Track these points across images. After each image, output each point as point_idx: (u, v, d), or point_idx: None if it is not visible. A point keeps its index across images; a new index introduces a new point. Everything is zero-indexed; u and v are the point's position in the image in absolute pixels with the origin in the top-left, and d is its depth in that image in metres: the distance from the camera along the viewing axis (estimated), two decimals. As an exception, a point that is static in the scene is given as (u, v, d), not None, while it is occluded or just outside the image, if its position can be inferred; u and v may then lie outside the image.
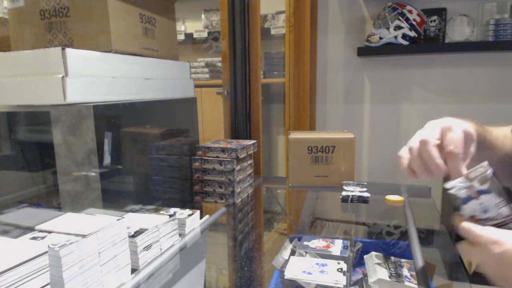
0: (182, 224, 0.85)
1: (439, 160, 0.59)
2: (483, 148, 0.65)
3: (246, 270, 0.81)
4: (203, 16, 3.00)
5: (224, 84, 1.56)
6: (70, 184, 0.82)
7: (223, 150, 1.16)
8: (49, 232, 0.61)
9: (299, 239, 0.82)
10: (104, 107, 0.83)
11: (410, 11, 1.94)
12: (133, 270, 0.68)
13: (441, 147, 0.60)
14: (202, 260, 0.86)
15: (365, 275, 0.70)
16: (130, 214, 0.79)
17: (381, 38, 1.98)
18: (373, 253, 0.75)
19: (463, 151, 0.59)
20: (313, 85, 2.28)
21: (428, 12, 2.02)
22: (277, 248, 0.77)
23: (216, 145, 1.20)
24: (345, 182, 1.29)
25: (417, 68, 2.16)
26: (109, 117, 0.85)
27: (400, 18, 1.94)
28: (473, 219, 0.55)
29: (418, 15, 1.95)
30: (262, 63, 2.66)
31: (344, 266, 0.69)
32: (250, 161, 1.30)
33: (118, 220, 0.63)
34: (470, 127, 0.62)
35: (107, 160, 0.83)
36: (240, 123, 1.55)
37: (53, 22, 0.94)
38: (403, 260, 0.74)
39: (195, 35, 2.91)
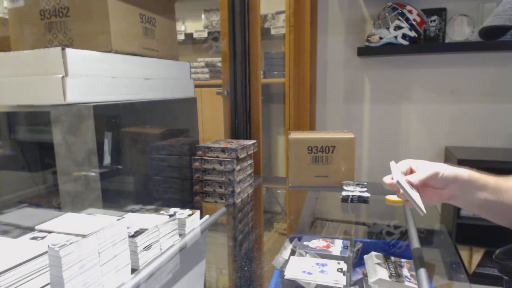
0: (182, 224, 0.85)
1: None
2: (472, 188, 0.70)
3: (246, 270, 0.81)
4: (203, 16, 3.00)
5: (224, 84, 1.56)
6: (70, 184, 0.82)
7: (223, 150, 1.16)
8: (49, 232, 0.61)
9: (299, 239, 0.82)
10: (104, 107, 0.83)
11: (410, 11, 1.94)
12: (133, 270, 0.68)
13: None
14: (202, 260, 0.86)
15: (365, 275, 0.70)
16: (130, 214, 0.79)
17: (381, 38, 1.98)
18: (373, 253, 0.75)
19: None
20: (313, 85, 2.28)
21: (428, 12, 2.02)
22: (277, 248, 0.77)
23: (216, 145, 1.20)
24: (345, 182, 1.29)
25: (417, 68, 2.16)
26: (109, 117, 0.85)
27: (400, 18, 1.94)
28: None
29: (418, 15, 1.95)
30: (262, 63, 2.66)
31: (344, 266, 0.69)
32: (250, 161, 1.30)
33: (118, 220, 0.63)
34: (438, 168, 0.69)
35: (107, 160, 0.83)
36: (240, 123, 1.55)
37: (53, 22, 0.94)
38: (403, 260, 0.74)
39: (195, 35, 2.91)
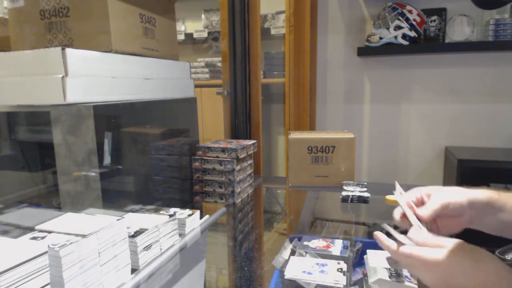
0: (182, 224, 0.85)
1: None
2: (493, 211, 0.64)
3: (246, 270, 0.81)
4: (203, 16, 3.00)
5: (224, 84, 1.56)
6: (70, 184, 0.82)
7: (223, 150, 1.16)
8: (49, 232, 0.61)
9: (299, 239, 0.82)
10: (104, 107, 0.83)
11: (410, 11, 1.94)
12: (133, 270, 0.68)
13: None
14: (202, 260, 0.86)
15: (365, 275, 0.70)
16: (130, 214, 0.79)
17: (381, 38, 1.98)
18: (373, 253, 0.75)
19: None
20: (313, 85, 2.28)
21: (428, 12, 2.02)
22: (277, 248, 0.77)
23: (216, 145, 1.20)
24: (345, 182, 1.29)
25: (417, 68, 2.16)
26: (109, 117, 0.85)
27: (400, 18, 1.94)
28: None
29: (418, 15, 1.95)
30: (262, 63, 2.66)
31: (344, 266, 0.69)
32: (250, 161, 1.30)
33: (118, 220, 0.63)
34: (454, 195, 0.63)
35: (107, 160, 0.83)
36: (240, 123, 1.55)
37: (53, 22, 0.94)
38: (403, 260, 0.74)
39: (195, 35, 2.91)
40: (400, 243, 0.58)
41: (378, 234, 0.61)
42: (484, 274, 0.49)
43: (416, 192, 0.67)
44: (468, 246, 0.52)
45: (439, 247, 0.53)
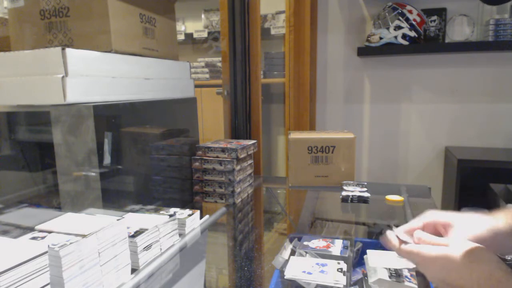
0: (182, 224, 0.85)
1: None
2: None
3: (246, 270, 0.81)
4: (203, 16, 3.00)
5: (224, 84, 1.56)
6: (70, 184, 0.82)
7: (223, 150, 1.16)
8: (49, 232, 0.61)
9: (299, 239, 0.82)
10: (104, 107, 0.83)
11: (410, 11, 1.94)
12: (133, 270, 0.68)
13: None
14: (202, 260, 0.86)
15: (365, 275, 0.70)
16: (130, 214, 0.79)
17: (381, 38, 1.98)
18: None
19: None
20: (313, 85, 2.28)
21: (428, 12, 2.02)
22: (277, 248, 0.77)
23: (216, 145, 1.20)
24: (345, 182, 1.29)
25: (417, 68, 2.16)
26: (109, 117, 0.85)
27: (400, 18, 1.94)
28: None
29: (418, 15, 1.95)
30: (262, 63, 2.66)
31: (344, 266, 0.69)
32: (250, 161, 1.30)
33: (118, 220, 0.63)
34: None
35: (107, 160, 0.83)
36: (240, 123, 1.55)
37: (53, 22, 0.94)
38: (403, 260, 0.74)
39: (195, 35, 2.91)
40: (402, 241, 0.59)
41: (387, 233, 0.62)
42: (478, 276, 0.49)
43: (428, 218, 0.63)
44: (469, 245, 0.52)
45: (441, 245, 0.54)
